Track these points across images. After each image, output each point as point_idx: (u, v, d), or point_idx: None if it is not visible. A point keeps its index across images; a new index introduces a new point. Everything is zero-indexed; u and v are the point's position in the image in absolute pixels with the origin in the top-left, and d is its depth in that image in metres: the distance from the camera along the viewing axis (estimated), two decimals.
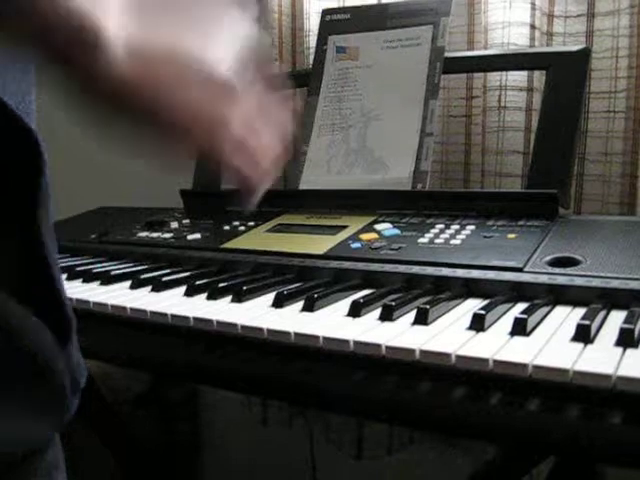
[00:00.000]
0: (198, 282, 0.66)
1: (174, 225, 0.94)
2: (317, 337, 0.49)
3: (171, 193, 1.05)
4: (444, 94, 1.05)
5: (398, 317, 0.53)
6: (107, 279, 0.72)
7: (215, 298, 0.63)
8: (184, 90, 0.29)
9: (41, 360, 0.31)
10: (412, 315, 0.52)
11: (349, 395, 0.47)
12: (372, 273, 0.66)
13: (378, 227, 0.76)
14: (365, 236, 0.74)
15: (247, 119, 0.32)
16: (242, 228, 0.86)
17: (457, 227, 0.73)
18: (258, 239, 0.81)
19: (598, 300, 0.52)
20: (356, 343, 0.47)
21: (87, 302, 0.63)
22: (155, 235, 0.90)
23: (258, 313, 0.57)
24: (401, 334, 0.48)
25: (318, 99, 0.98)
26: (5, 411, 0.29)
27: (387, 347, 0.46)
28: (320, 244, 0.74)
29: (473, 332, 0.48)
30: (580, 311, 0.52)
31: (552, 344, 0.44)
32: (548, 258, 0.61)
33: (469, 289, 0.60)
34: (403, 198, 0.84)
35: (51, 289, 0.33)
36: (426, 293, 0.59)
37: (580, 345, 0.43)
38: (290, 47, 1.19)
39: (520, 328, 0.47)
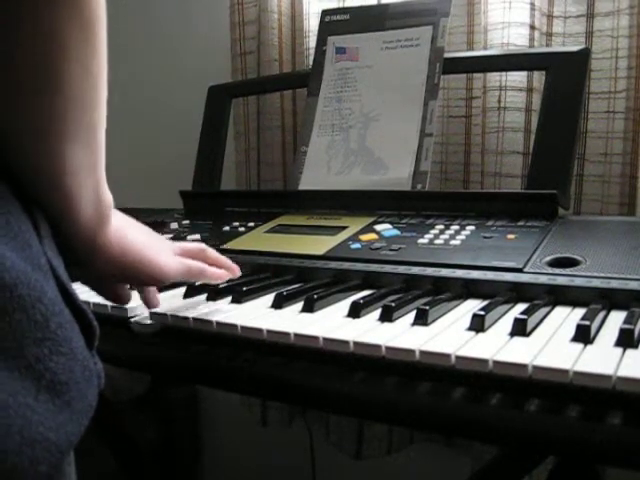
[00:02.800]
0: (198, 283, 0.66)
1: (174, 226, 0.94)
2: (317, 338, 0.49)
3: (171, 194, 1.05)
4: (444, 94, 1.05)
5: (398, 318, 0.53)
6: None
7: (215, 299, 0.63)
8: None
9: (88, 363, 0.33)
10: (412, 316, 0.52)
11: (349, 395, 0.47)
12: (372, 274, 0.66)
13: (378, 228, 0.76)
14: (365, 237, 0.74)
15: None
16: (242, 229, 0.86)
17: (457, 228, 0.73)
18: (258, 240, 0.81)
19: (598, 300, 0.52)
20: (356, 344, 0.47)
21: (87, 303, 0.63)
22: None
23: (258, 314, 0.57)
24: (401, 335, 0.48)
25: (318, 100, 0.98)
26: (78, 409, 0.31)
27: (387, 348, 0.46)
28: (320, 245, 0.74)
29: (473, 333, 0.48)
30: (580, 311, 0.52)
31: (552, 345, 0.44)
32: (548, 258, 0.61)
33: (469, 290, 0.60)
34: (403, 198, 0.84)
35: (65, 293, 0.33)
36: (426, 294, 0.59)
37: (580, 345, 0.43)
38: (290, 48, 1.19)
39: (520, 329, 0.47)
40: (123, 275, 0.48)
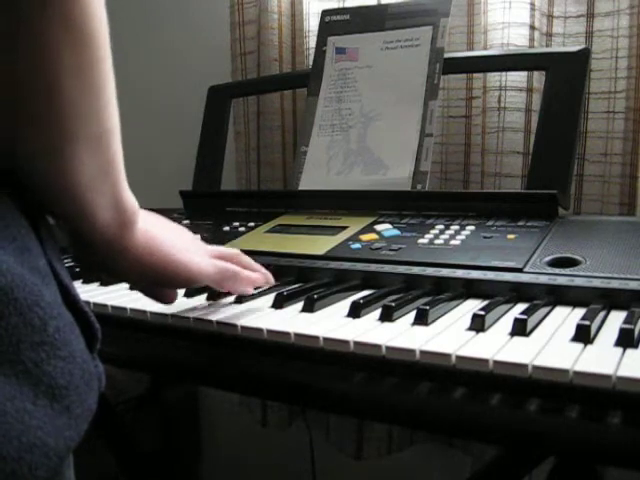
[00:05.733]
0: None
1: None
2: (317, 338, 0.49)
3: (171, 194, 1.05)
4: (444, 95, 1.05)
5: (398, 318, 0.53)
6: (107, 280, 0.72)
7: (215, 299, 0.63)
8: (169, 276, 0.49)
9: (88, 366, 0.33)
10: (412, 316, 0.52)
11: (349, 395, 0.47)
12: (372, 274, 0.66)
13: (378, 228, 0.76)
14: (365, 237, 0.74)
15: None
16: (242, 229, 0.86)
17: (457, 228, 0.73)
18: (258, 240, 0.81)
19: (598, 300, 0.52)
20: (356, 344, 0.47)
21: (87, 303, 0.63)
22: None
23: (258, 314, 0.57)
24: (401, 335, 0.48)
25: (318, 100, 0.98)
26: (77, 414, 0.31)
27: (387, 347, 0.46)
28: (320, 245, 0.74)
29: (473, 333, 0.48)
30: (580, 311, 0.52)
31: (552, 344, 0.44)
32: (548, 258, 0.61)
33: (469, 290, 0.60)
34: (403, 199, 0.84)
35: (67, 295, 0.33)
36: (426, 294, 0.59)
37: (580, 345, 0.43)
38: (290, 48, 1.19)
39: (520, 328, 0.47)
40: (153, 277, 0.47)
